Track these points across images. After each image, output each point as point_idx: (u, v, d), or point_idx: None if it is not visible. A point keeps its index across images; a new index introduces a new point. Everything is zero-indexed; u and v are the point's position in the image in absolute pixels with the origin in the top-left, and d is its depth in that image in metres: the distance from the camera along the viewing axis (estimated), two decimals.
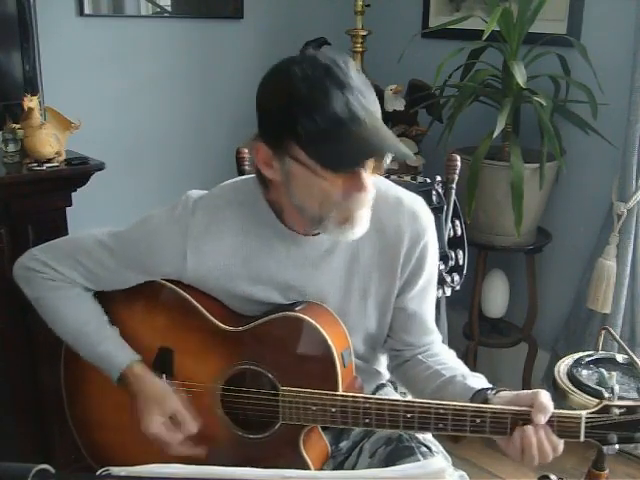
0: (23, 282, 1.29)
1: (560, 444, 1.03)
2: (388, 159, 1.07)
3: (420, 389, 1.24)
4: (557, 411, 1.03)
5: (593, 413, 1.02)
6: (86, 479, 0.79)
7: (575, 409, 1.04)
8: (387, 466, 1.19)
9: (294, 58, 1.05)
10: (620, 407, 1.01)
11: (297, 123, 1.00)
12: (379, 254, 1.21)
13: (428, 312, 1.29)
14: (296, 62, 1.03)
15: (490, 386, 1.13)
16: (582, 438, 1.02)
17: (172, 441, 1.19)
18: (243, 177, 1.28)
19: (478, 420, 1.04)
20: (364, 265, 1.21)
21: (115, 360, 1.23)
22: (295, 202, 1.10)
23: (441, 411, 1.06)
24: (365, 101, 1.02)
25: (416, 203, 1.23)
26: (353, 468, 1.25)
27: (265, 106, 1.07)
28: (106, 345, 1.23)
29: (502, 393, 1.09)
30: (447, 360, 1.25)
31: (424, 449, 1.19)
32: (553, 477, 0.99)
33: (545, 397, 1.02)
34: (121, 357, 1.23)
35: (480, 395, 1.11)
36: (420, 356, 1.27)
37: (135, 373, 1.22)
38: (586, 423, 1.01)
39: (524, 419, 1.02)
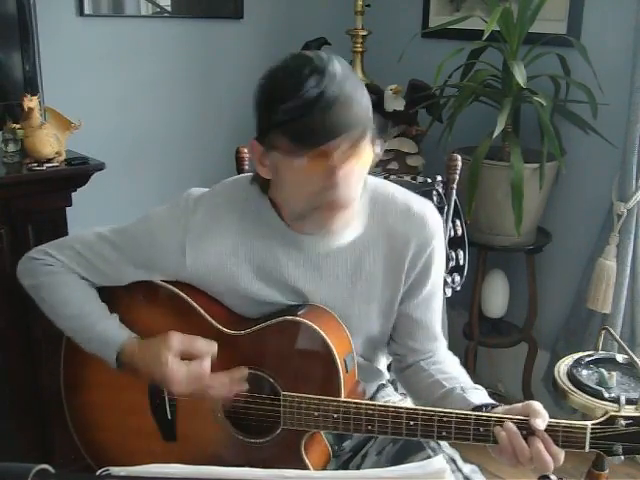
0: (24, 274, 1.28)
1: (561, 454, 1.01)
2: (374, 148, 1.07)
3: (421, 398, 1.24)
4: (563, 421, 1.01)
5: (599, 424, 1.00)
6: (86, 479, 0.79)
7: (575, 409, 1.04)
8: (396, 463, 1.19)
9: (284, 56, 1.08)
10: (626, 418, 0.99)
11: (275, 110, 1.02)
12: (384, 259, 1.20)
13: (434, 319, 1.28)
14: (283, 58, 1.07)
15: (487, 402, 1.12)
16: (587, 449, 1.01)
17: (204, 372, 1.13)
18: (246, 174, 1.26)
19: (481, 429, 1.03)
20: (369, 270, 1.20)
21: (112, 339, 1.19)
22: (281, 197, 1.12)
23: (444, 419, 1.05)
24: (340, 87, 1.02)
25: (426, 209, 1.22)
26: (358, 468, 1.24)
27: (255, 102, 1.09)
28: (104, 325, 1.21)
29: (497, 409, 1.08)
30: (449, 369, 1.24)
31: (433, 444, 1.19)
32: (553, 477, 0.99)
33: (538, 405, 1.02)
34: (118, 335, 1.20)
35: (477, 411, 1.09)
36: (423, 363, 1.26)
37: (134, 350, 1.18)
38: (591, 434, 1.00)
39: (527, 429, 1.01)
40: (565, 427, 1.01)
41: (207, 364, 1.14)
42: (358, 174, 1.07)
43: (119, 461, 1.26)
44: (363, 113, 1.04)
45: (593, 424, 1.00)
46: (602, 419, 1.00)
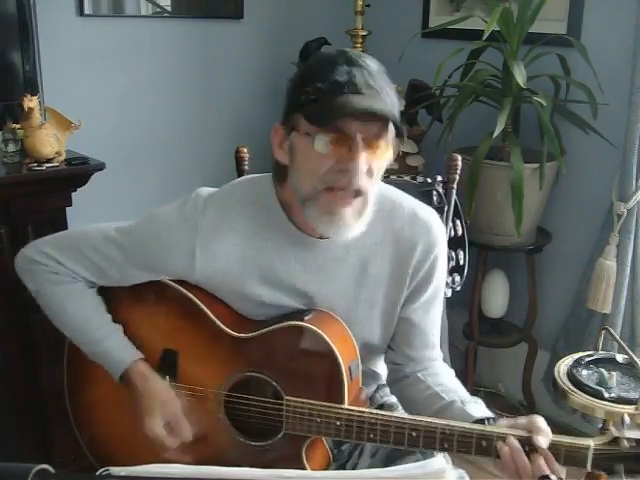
0: (25, 274, 1.27)
1: (562, 471, 1.00)
2: (393, 142, 1.07)
3: (417, 410, 1.22)
4: (566, 439, 1.00)
5: (602, 444, 0.99)
6: (86, 479, 0.79)
7: (575, 409, 1.03)
8: (387, 465, 1.19)
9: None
10: (630, 440, 0.98)
11: (303, 91, 1.05)
12: (390, 264, 1.20)
13: (431, 326, 1.27)
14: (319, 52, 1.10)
15: (488, 415, 1.11)
16: (589, 468, 0.99)
17: (170, 445, 1.18)
18: (257, 175, 1.25)
19: (484, 443, 1.02)
20: (374, 275, 1.20)
21: (118, 358, 1.22)
22: (293, 182, 1.11)
23: (447, 431, 1.04)
24: (372, 79, 1.04)
25: (430, 215, 1.23)
26: (354, 469, 1.24)
27: (287, 88, 1.11)
28: (109, 342, 1.22)
29: (499, 422, 1.07)
30: (446, 381, 1.24)
31: None
32: (553, 477, 0.99)
33: (541, 421, 1.01)
34: (124, 355, 1.22)
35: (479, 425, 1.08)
36: (420, 374, 1.26)
37: (138, 372, 1.21)
38: (594, 453, 0.98)
39: (530, 445, 1.00)
40: (568, 446, 0.99)
41: (176, 444, 1.19)
42: (375, 168, 1.07)
43: (121, 458, 1.26)
44: (388, 109, 1.04)
45: (596, 444, 0.99)
46: (606, 440, 0.99)
